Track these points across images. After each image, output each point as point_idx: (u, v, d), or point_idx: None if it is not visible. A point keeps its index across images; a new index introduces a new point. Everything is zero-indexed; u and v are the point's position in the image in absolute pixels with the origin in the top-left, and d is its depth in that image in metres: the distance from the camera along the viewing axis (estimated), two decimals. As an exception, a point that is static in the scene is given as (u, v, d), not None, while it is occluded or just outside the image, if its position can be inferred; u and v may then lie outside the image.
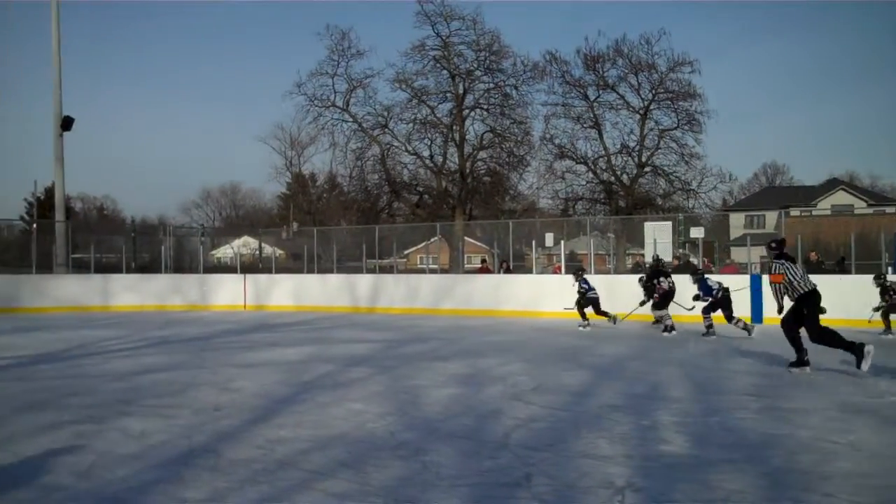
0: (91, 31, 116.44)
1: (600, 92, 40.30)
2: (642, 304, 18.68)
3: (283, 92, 47.20)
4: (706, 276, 17.68)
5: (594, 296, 19.18)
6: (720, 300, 16.87)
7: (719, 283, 17.21)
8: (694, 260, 26.05)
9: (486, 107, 40.16)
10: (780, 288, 11.47)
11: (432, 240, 33.00)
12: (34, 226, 31.27)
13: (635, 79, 39.61)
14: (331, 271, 28.14)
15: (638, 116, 40.00)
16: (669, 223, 26.23)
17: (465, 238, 34.75)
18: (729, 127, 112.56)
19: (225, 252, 39.79)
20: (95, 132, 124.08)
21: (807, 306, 11.20)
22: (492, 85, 39.87)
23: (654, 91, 39.42)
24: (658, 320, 17.91)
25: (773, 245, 12.04)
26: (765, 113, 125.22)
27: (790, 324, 11.43)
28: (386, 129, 40.79)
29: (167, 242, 31.58)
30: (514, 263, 27.57)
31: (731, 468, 6.03)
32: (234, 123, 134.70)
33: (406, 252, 35.98)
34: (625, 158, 40.76)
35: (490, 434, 7.20)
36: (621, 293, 20.72)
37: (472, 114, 40.31)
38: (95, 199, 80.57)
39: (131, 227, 31.09)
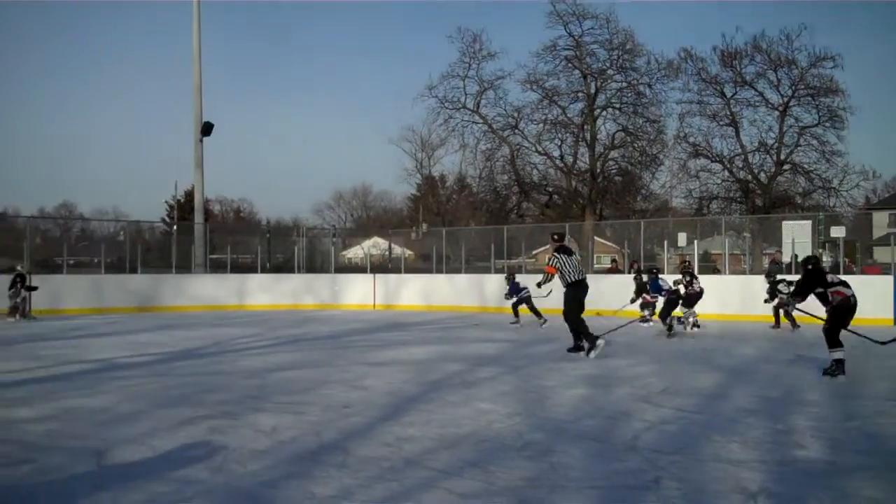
0: (228, 34, 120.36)
1: (737, 89, 39.23)
2: (632, 300, 20.14)
3: (415, 94, 47.57)
4: (659, 275, 19.18)
5: (526, 295, 19.97)
6: (668, 301, 17.55)
7: (670, 285, 18.21)
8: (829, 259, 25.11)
9: (618, 106, 39.60)
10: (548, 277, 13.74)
11: (562, 240, 32.74)
12: (174, 227, 32.63)
13: (774, 75, 38.39)
14: (459, 271, 28.32)
15: (777, 113, 38.77)
16: (809, 222, 25.36)
17: (595, 238, 34.34)
18: (873, 122, 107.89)
19: (355, 252, 40.52)
20: (234, 136, 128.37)
21: (575, 293, 13.20)
22: (625, 84, 39.28)
23: (794, 87, 38.12)
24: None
25: (555, 237, 13.83)
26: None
27: (573, 314, 13.23)
28: (516, 130, 40.70)
29: (300, 243, 32.36)
30: (645, 264, 27.13)
31: (869, 475, 5.79)
32: (366, 126, 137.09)
33: (535, 252, 35.84)
34: (762, 156, 39.59)
35: (618, 436, 7.10)
36: (759, 293, 20.20)
37: (604, 113, 39.81)
38: (233, 202, 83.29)
39: (266, 228, 32.05)
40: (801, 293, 11.39)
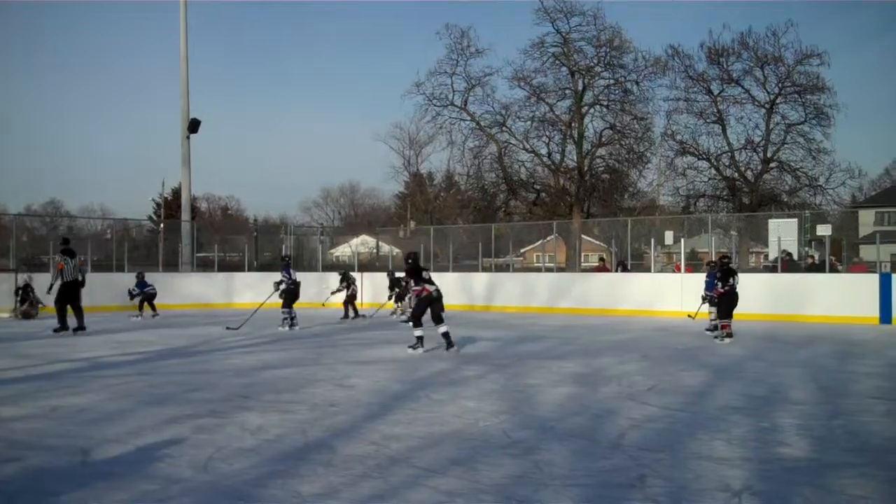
0: (215, 32, 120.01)
1: (724, 86, 39.29)
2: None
3: (402, 91, 47.50)
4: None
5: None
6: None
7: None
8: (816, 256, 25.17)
9: (605, 103, 39.55)
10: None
11: (549, 238, 32.82)
12: (161, 225, 32.53)
13: (761, 72, 38.46)
14: (447, 269, 28.32)
15: (763, 111, 38.86)
16: (795, 220, 25.49)
17: (583, 236, 34.39)
18: (859, 120, 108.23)
19: (343, 251, 40.44)
20: (221, 133, 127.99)
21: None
22: (612, 81, 39.23)
23: (780, 85, 38.22)
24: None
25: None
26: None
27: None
28: (504, 128, 40.64)
29: (288, 241, 32.32)
30: (632, 262, 27.23)
31: (855, 473, 5.82)
32: (353, 123, 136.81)
33: (522, 250, 35.93)
34: (749, 154, 39.68)
35: (604, 434, 7.12)
36: (745, 291, 20.29)
37: (592, 110, 39.75)
38: (220, 199, 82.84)
39: (254, 226, 31.97)
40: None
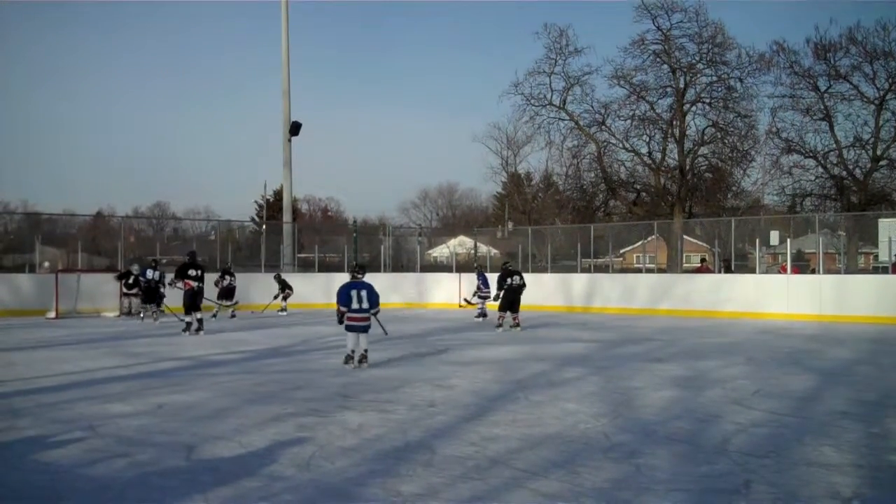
0: (316, 34, 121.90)
1: (831, 82, 38.07)
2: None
3: (501, 92, 47.34)
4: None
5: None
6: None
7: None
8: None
9: (708, 101, 38.72)
10: None
11: (649, 238, 32.40)
12: (264, 227, 33.10)
13: (870, 67, 37.13)
14: (545, 270, 28.25)
15: (873, 107, 37.57)
16: (906, 220, 24.60)
17: (684, 236, 33.83)
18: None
19: (441, 251, 40.65)
20: (322, 136, 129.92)
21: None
22: (715, 78, 38.39)
23: (890, 80, 36.89)
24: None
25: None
26: None
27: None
28: (603, 127, 40.17)
29: (386, 242, 32.63)
30: (736, 263, 26.67)
31: (972, 482, 5.59)
32: (452, 124, 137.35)
33: (622, 251, 35.54)
34: (858, 152, 38.35)
35: (708, 439, 6.99)
36: (854, 293, 19.75)
37: (694, 108, 38.96)
38: (320, 201, 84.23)
39: (353, 227, 32.28)
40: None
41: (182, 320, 18.09)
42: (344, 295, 12.29)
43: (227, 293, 23.33)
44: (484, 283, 22.18)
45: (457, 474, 5.77)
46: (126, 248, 27.49)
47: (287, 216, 31.62)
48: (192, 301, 18.03)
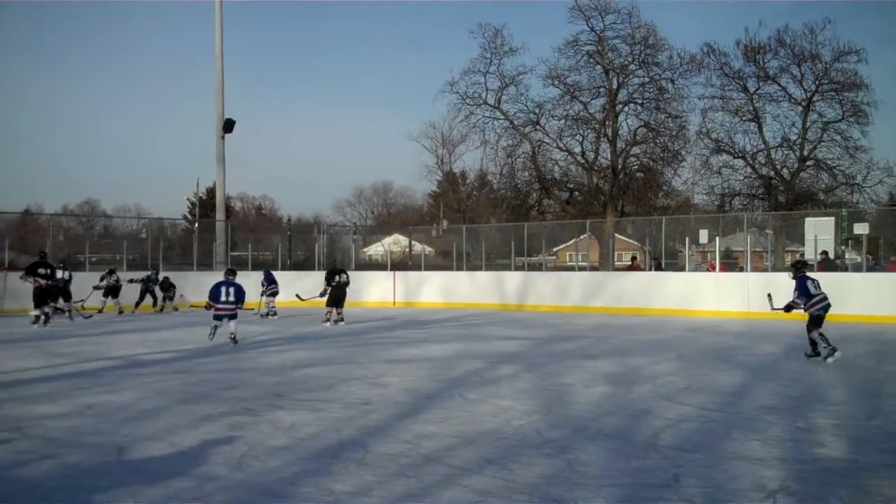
0: (248, 31, 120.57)
1: (760, 84, 38.87)
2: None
3: (436, 91, 47.29)
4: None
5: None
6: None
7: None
8: (857, 256, 24.86)
9: (640, 101, 39.28)
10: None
11: (582, 237, 32.69)
12: (196, 225, 32.66)
13: (798, 69, 37.98)
14: (480, 268, 28.33)
15: (800, 108, 38.41)
16: (832, 219, 25.12)
17: (616, 235, 34.19)
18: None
19: (376, 250, 40.50)
20: (256, 133, 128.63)
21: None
22: (647, 79, 38.95)
23: (817, 82, 37.76)
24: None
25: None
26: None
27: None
28: (537, 126, 40.50)
29: (321, 240, 32.41)
30: (666, 261, 27.05)
31: (891, 473, 5.78)
32: (387, 123, 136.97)
33: (555, 249, 35.75)
34: (785, 152, 39.22)
35: (639, 434, 7.09)
36: (781, 290, 20.14)
37: (626, 109, 39.49)
38: (254, 199, 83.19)
39: (287, 225, 32.05)
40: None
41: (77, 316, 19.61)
42: (216, 291, 14.99)
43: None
44: (268, 280, 22.78)
45: (391, 472, 5.77)
46: (55, 246, 26.87)
47: (220, 214, 31.21)
48: (42, 297, 19.59)
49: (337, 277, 19.87)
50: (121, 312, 23.51)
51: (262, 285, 22.61)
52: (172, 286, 25.18)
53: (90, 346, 14.59)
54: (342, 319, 19.65)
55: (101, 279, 23.66)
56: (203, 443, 6.71)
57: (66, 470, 5.93)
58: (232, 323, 14.87)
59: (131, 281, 24.20)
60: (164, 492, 5.30)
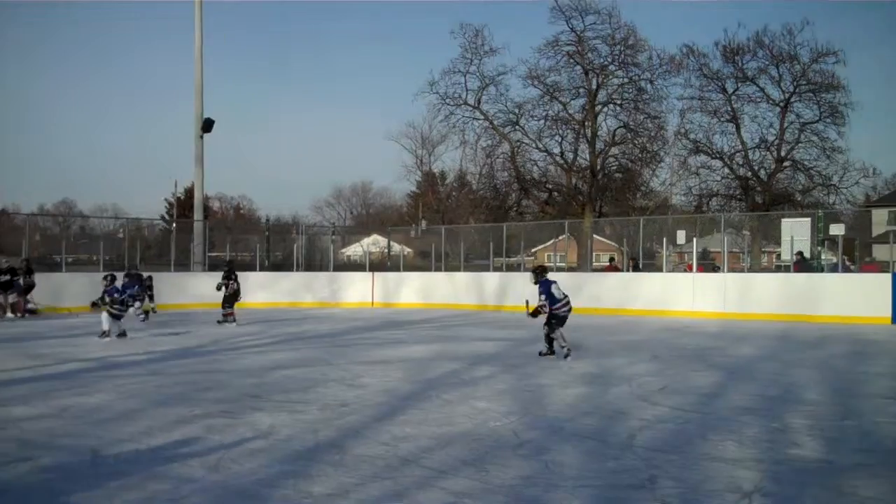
0: (228, 31, 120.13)
1: (739, 85, 39.18)
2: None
3: (416, 91, 47.25)
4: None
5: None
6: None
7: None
8: (833, 257, 25.04)
9: (619, 102, 39.43)
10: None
11: (560, 237, 32.79)
12: (174, 225, 32.47)
13: (776, 70, 38.33)
14: (458, 269, 28.34)
15: (778, 109, 38.71)
16: (808, 220, 25.31)
17: (594, 236, 34.29)
18: (874, 119, 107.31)
19: (355, 250, 40.43)
20: (234, 133, 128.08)
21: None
22: (626, 80, 39.09)
23: (795, 83, 38.07)
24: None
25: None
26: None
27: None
28: (517, 127, 40.59)
29: (299, 241, 32.30)
30: (644, 261, 27.14)
31: (866, 473, 5.80)
32: (366, 123, 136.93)
33: (534, 250, 35.81)
34: (763, 153, 39.56)
35: (615, 435, 7.11)
36: (758, 291, 20.31)
37: (605, 109, 39.63)
38: (232, 199, 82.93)
39: (266, 226, 31.94)
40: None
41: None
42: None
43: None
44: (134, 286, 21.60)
45: (368, 474, 5.77)
46: (31, 246, 26.65)
47: (198, 214, 31.02)
48: None
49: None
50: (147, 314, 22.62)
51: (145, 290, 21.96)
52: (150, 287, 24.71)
53: (66, 348, 14.46)
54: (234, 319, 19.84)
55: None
56: (179, 444, 6.68)
57: (41, 472, 5.89)
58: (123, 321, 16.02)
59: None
60: (141, 494, 5.27)
